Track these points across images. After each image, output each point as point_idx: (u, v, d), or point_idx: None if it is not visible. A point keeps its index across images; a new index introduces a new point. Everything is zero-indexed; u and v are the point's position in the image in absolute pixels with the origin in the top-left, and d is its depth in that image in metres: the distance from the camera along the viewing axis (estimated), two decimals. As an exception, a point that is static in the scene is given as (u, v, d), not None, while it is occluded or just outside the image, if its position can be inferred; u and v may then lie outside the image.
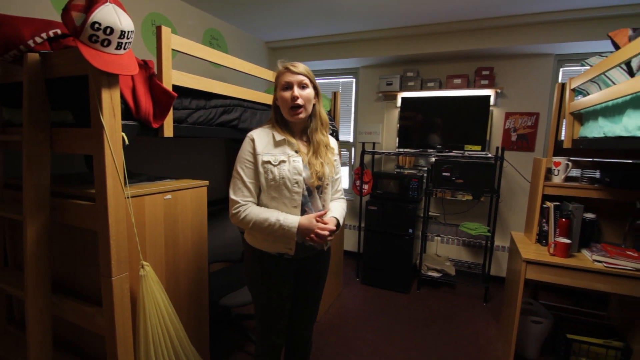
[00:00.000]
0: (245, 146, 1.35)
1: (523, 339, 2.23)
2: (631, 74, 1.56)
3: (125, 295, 1.24)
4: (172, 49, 1.39)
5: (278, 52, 3.95)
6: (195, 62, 1.80)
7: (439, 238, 3.61)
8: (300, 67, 1.34)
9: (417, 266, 3.34)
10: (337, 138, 2.74)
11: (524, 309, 2.35)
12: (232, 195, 1.34)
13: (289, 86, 1.32)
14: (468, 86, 3.25)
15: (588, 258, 1.96)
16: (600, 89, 1.74)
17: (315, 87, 1.38)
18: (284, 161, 1.33)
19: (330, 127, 2.60)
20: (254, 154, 1.33)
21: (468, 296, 3.16)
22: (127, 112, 1.27)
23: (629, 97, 1.39)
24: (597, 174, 2.25)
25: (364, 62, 3.74)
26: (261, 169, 1.32)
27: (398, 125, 3.53)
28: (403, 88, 3.48)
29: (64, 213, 1.30)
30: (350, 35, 3.47)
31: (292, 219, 1.29)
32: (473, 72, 3.29)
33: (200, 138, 2.52)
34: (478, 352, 2.31)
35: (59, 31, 1.26)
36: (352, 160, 4.07)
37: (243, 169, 1.33)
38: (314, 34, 3.58)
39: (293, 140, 1.37)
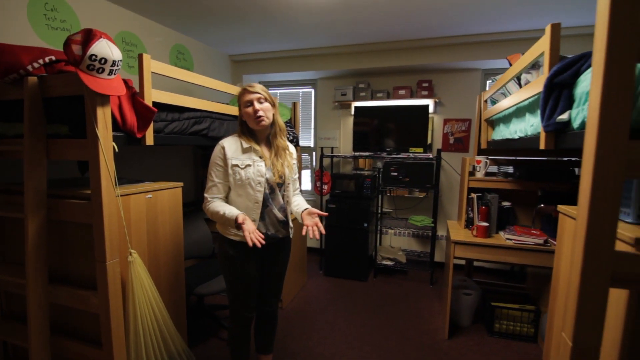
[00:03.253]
0: (217, 152, 1.63)
1: (458, 309, 2.66)
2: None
3: (116, 278, 1.48)
4: (152, 72, 1.65)
5: (241, 64, 4.22)
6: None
7: (392, 231, 4.03)
8: (257, 86, 1.63)
9: (374, 257, 3.73)
10: (297, 144, 3.05)
11: (458, 284, 2.79)
12: (204, 193, 1.64)
13: (250, 103, 1.62)
14: (411, 96, 3.71)
15: (502, 237, 2.42)
16: (505, 100, 2.19)
17: (271, 101, 1.68)
18: (249, 165, 1.63)
19: (291, 134, 2.93)
20: (224, 159, 1.61)
21: (417, 280, 3.58)
22: (115, 125, 1.51)
23: (513, 108, 1.84)
24: (510, 169, 2.74)
25: (322, 74, 4.11)
26: (230, 171, 1.61)
27: (353, 131, 3.90)
28: (356, 98, 3.88)
29: (60, 211, 1.51)
30: (308, 50, 3.82)
31: (234, 212, 1.54)
32: (415, 84, 3.74)
33: (171, 146, 2.75)
34: (422, 324, 2.70)
35: (53, 57, 1.48)
36: (313, 164, 4.41)
37: (214, 171, 1.62)
38: (276, 49, 3.90)
39: (257, 147, 1.67)
